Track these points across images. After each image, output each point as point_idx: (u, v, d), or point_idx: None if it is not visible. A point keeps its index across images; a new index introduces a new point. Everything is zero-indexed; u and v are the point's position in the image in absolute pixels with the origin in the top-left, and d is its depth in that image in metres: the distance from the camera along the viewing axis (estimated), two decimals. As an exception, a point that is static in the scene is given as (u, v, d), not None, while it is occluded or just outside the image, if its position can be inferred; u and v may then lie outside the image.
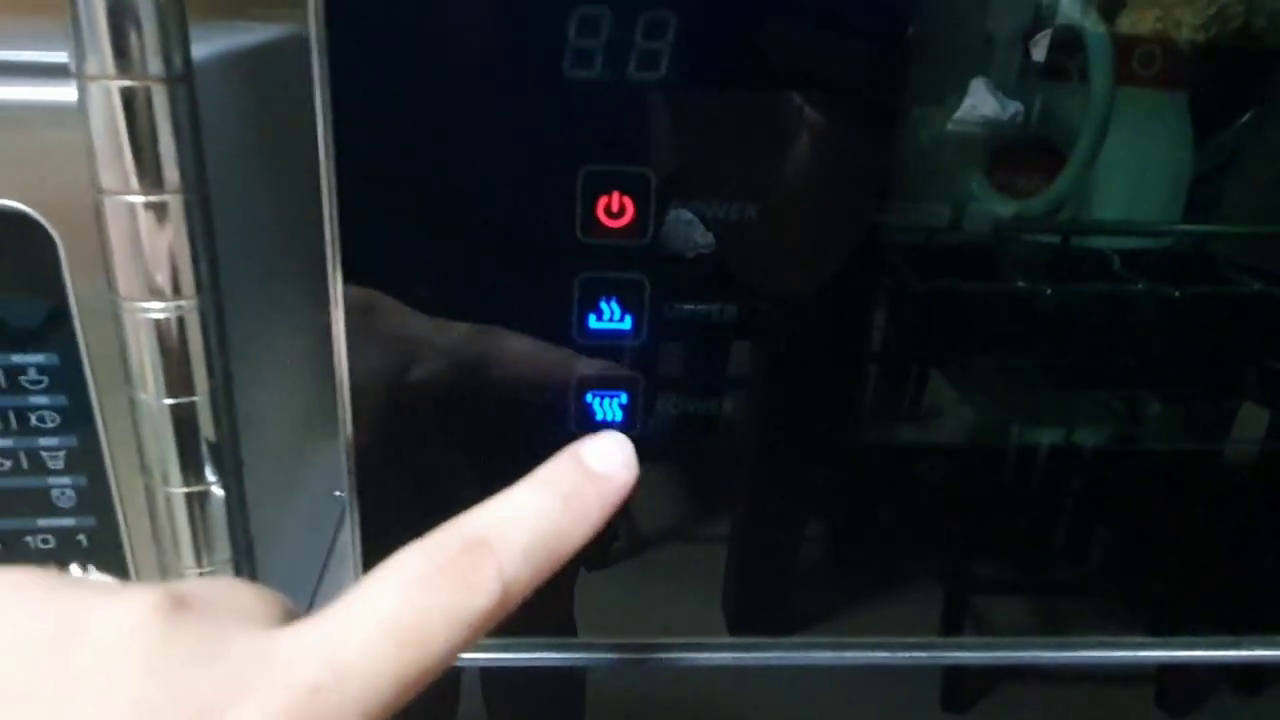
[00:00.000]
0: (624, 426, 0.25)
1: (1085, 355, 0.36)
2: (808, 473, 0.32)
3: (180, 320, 0.25)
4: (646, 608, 0.32)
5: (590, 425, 0.25)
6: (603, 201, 0.22)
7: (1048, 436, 0.38)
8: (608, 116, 0.21)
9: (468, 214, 0.22)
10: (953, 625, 0.38)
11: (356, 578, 0.29)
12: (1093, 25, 0.34)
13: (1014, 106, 0.37)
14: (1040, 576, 0.40)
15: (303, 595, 0.45)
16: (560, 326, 0.22)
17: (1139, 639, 0.38)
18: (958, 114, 0.36)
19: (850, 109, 0.23)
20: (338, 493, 0.57)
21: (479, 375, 0.24)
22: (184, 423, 0.26)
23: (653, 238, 0.23)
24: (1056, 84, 0.37)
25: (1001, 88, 0.37)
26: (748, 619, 0.34)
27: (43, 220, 0.30)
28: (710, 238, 0.23)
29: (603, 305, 0.23)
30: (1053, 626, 0.40)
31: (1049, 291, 0.32)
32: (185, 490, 0.26)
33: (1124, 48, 0.36)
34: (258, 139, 0.37)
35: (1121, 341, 0.35)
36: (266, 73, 0.40)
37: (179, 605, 0.16)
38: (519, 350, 0.24)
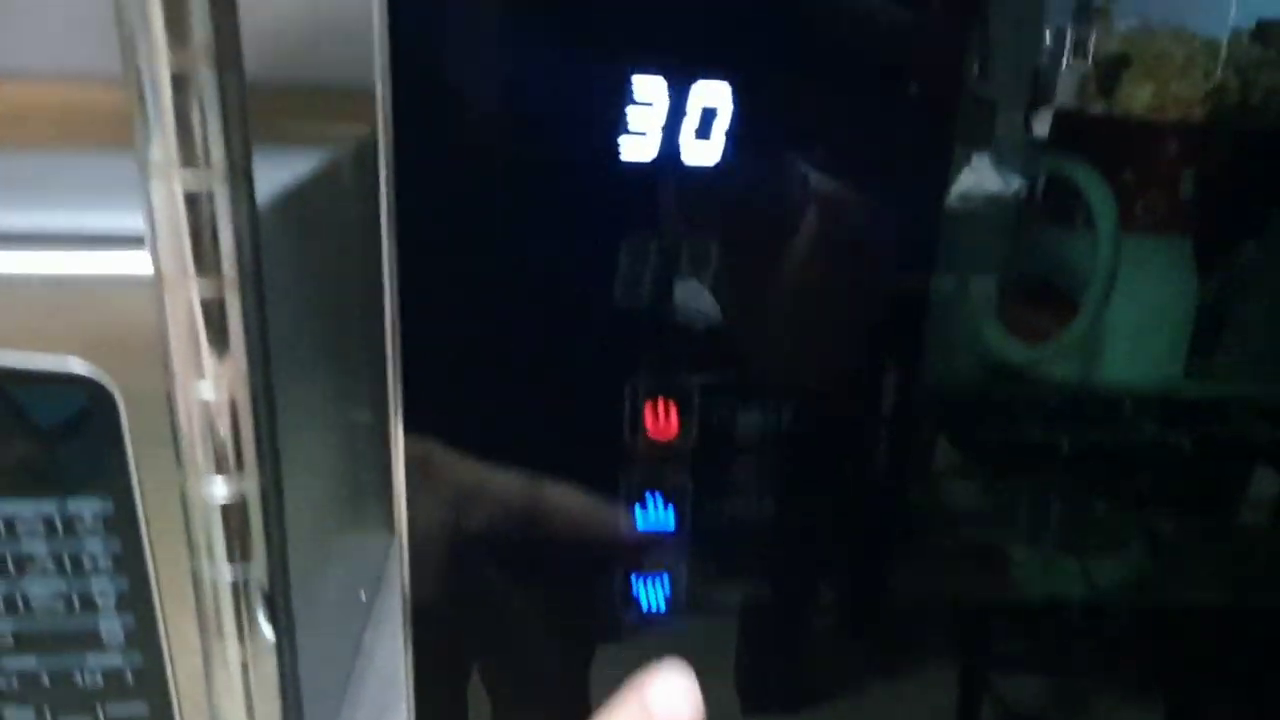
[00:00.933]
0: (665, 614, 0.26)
1: (1100, 491, 0.37)
2: (822, 555, 0.32)
3: (243, 500, 0.26)
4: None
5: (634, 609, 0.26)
6: (649, 409, 0.24)
7: (1061, 565, 0.39)
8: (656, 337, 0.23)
9: (525, 395, 0.24)
10: (970, 708, 0.39)
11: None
12: (1095, 181, 0.35)
13: (1016, 183, 0.39)
14: (1060, 658, 0.40)
15: (333, 693, 0.46)
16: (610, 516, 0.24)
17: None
18: (962, 189, 0.37)
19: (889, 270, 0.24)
20: (362, 594, 0.58)
21: (531, 524, 0.25)
22: (242, 592, 0.27)
23: (697, 442, 0.24)
24: (1061, 227, 0.39)
25: (1005, 163, 0.38)
26: (761, 698, 0.34)
27: (105, 381, 0.31)
28: (716, 310, 0.24)
29: (648, 498, 0.25)
30: (1073, 710, 0.40)
31: (1066, 444, 0.33)
32: (240, 652, 0.28)
33: (1128, 197, 0.38)
34: (293, 264, 0.39)
35: (1134, 481, 0.36)
36: (303, 211, 0.42)
37: None
38: (570, 502, 0.25)
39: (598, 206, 0.22)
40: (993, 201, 0.38)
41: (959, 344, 0.38)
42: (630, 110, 0.22)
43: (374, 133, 0.53)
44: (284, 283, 0.37)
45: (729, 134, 0.22)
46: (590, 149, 0.21)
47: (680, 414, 0.24)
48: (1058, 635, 0.40)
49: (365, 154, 0.53)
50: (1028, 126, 0.41)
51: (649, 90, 0.21)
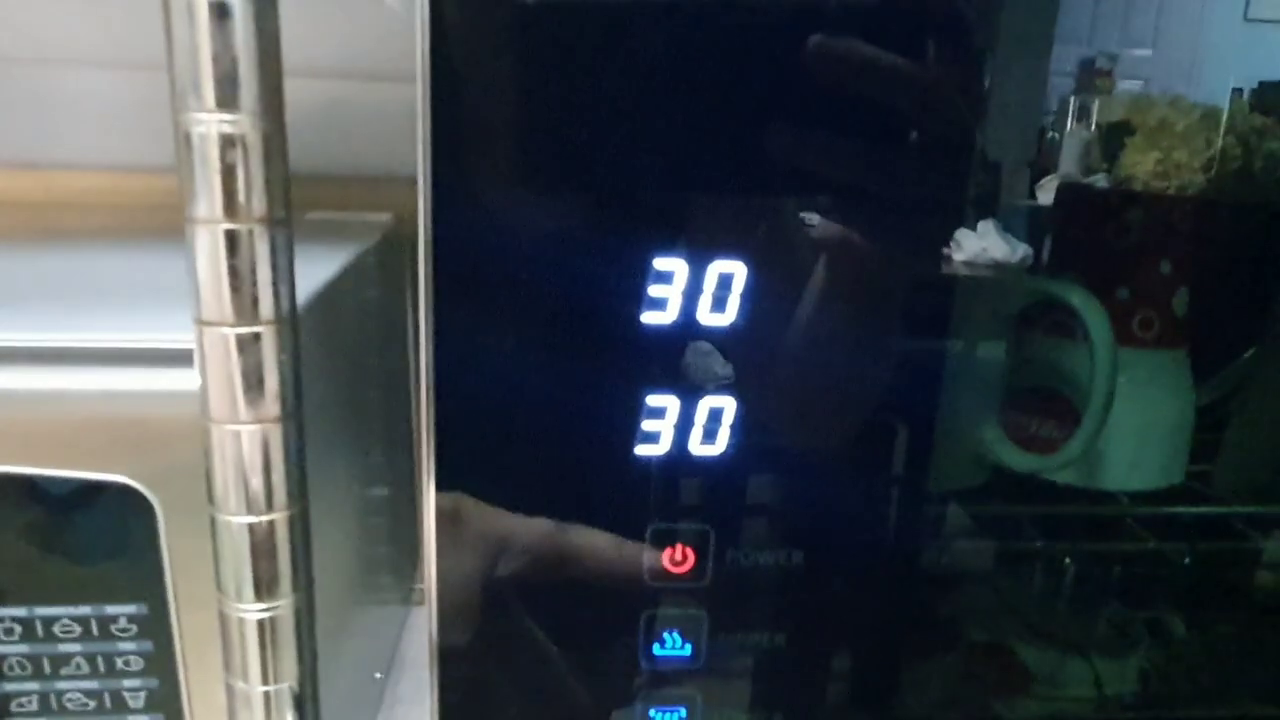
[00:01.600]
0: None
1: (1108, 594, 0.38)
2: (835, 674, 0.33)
3: (278, 620, 0.28)
4: None
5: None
6: (668, 553, 0.25)
7: (1070, 667, 0.40)
8: (671, 485, 0.24)
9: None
10: None
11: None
12: (1091, 306, 0.37)
13: (1022, 249, 0.40)
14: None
15: None
16: (628, 654, 0.25)
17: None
18: (969, 256, 0.38)
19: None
20: (378, 675, 0.58)
21: (559, 569, 0.26)
22: (274, 706, 0.28)
23: (711, 579, 0.25)
24: (1062, 340, 0.40)
25: (1010, 229, 0.39)
26: None
27: (145, 491, 0.33)
28: (729, 369, 0.25)
29: (665, 635, 0.26)
30: None
31: (1068, 561, 0.34)
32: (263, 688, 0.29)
33: (1124, 315, 0.39)
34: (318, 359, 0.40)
35: (1141, 591, 0.37)
36: (341, 295, 0.44)
37: None
38: (597, 545, 0.26)
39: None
40: (993, 311, 0.39)
41: (961, 452, 0.39)
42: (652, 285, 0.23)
43: (397, 219, 0.54)
44: (309, 375, 0.39)
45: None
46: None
47: (696, 556, 0.25)
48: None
49: (389, 240, 0.55)
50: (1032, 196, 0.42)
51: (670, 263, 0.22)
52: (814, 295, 0.25)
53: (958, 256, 0.38)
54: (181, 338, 0.27)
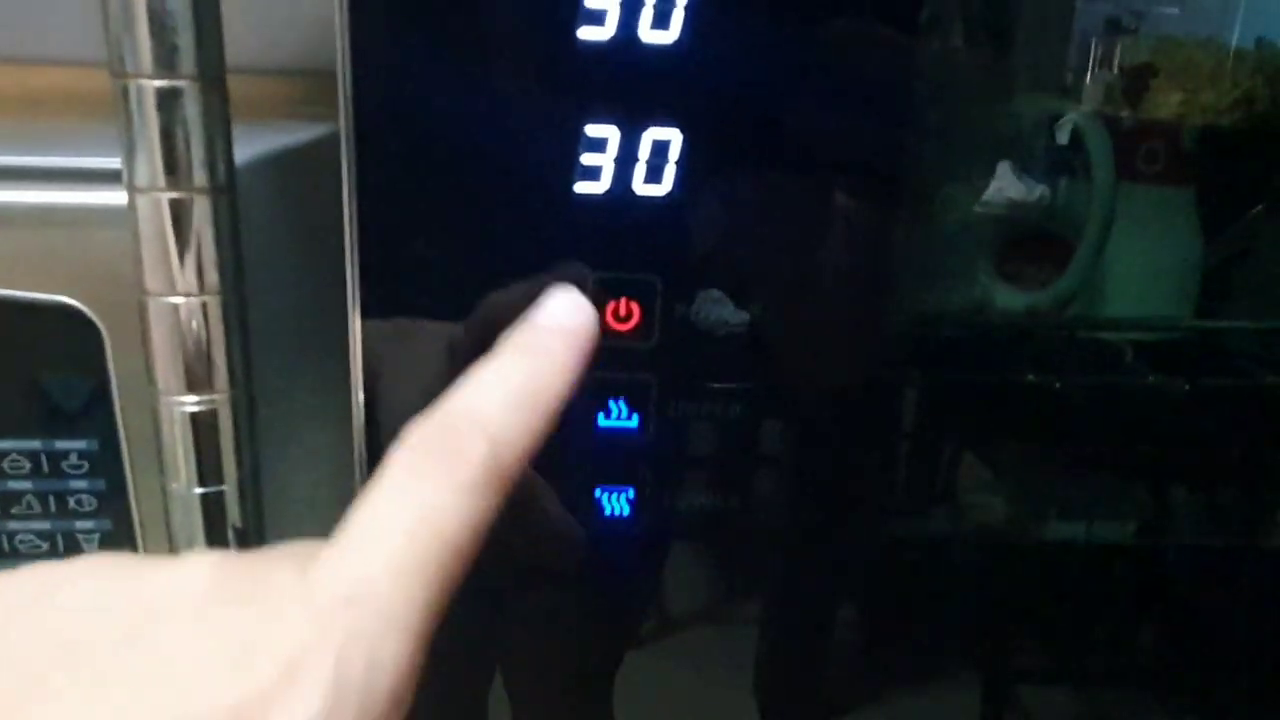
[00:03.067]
0: (631, 521, 0.25)
1: (1103, 447, 0.36)
2: (835, 560, 0.32)
3: (213, 413, 0.26)
4: (678, 694, 0.32)
5: (599, 519, 0.25)
6: (611, 306, 0.23)
7: (1070, 528, 0.38)
8: (616, 227, 0.23)
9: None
10: (992, 716, 0.38)
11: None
12: (1093, 122, 0.35)
13: (1039, 189, 0.38)
14: (1081, 666, 0.39)
15: None
16: (571, 423, 0.23)
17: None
18: (985, 196, 0.37)
19: (851, 204, 0.24)
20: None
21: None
22: (213, 510, 0.27)
23: (658, 340, 0.24)
24: (1064, 178, 0.38)
25: (1027, 170, 0.38)
26: (780, 706, 0.34)
27: (90, 313, 0.31)
28: (743, 316, 0.24)
29: (610, 404, 0.24)
30: (1095, 716, 0.39)
31: (1058, 385, 0.32)
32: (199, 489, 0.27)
33: (1128, 145, 0.37)
34: (286, 234, 0.39)
35: (1139, 434, 0.35)
36: (299, 172, 0.43)
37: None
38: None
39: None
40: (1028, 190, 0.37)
41: (957, 294, 0.37)
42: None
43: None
44: (277, 239, 0.38)
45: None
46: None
47: (642, 312, 0.23)
48: (1062, 597, 0.39)
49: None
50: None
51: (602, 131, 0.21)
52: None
53: (975, 199, 0.36)
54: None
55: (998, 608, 0.37)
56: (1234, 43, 0.40)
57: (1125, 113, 0.39)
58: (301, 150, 0.43)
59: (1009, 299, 0.36)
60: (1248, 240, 0.41)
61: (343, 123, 0.23)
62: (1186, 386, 0.33)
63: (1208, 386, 0.33)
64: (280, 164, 0.40)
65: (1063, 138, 0.38)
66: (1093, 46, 0.42)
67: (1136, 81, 0.40)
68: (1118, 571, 0.39)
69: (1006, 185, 0.38)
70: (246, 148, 0.31)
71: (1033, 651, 0.39)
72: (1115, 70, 0.41)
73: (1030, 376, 0.33)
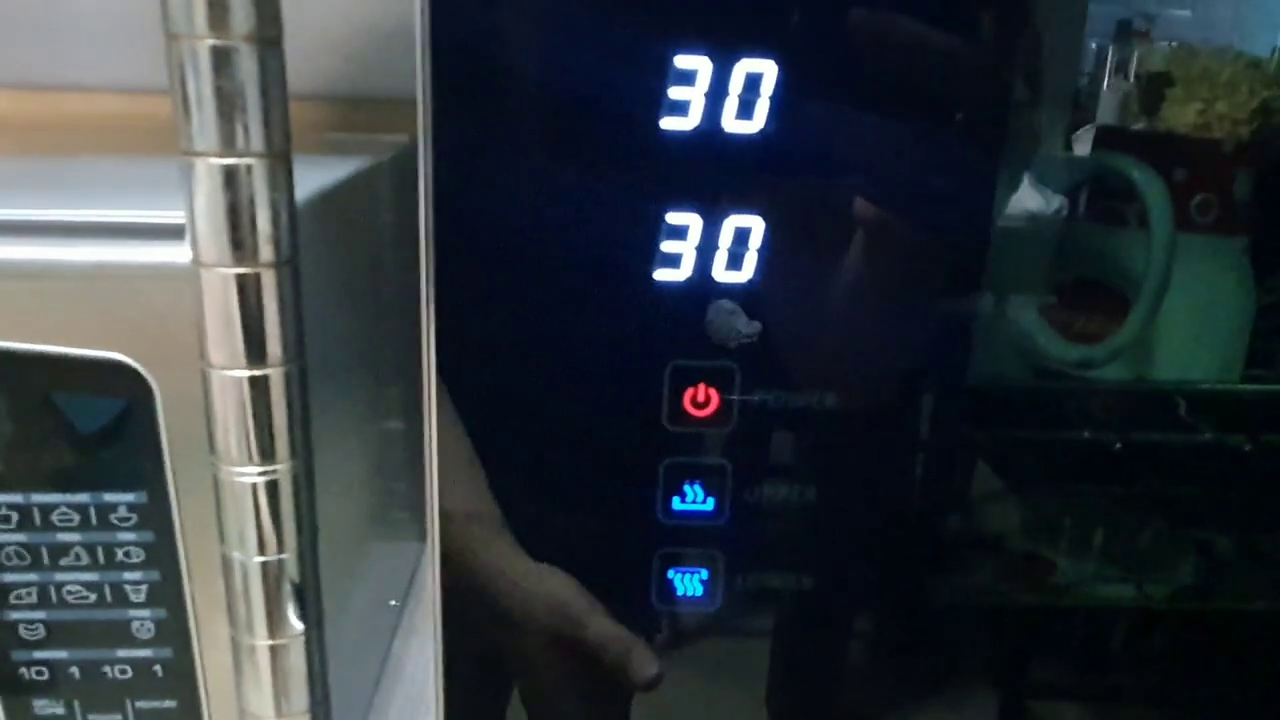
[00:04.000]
0: (704, 601, 0.25)
1: (1153, 500, 0.36)
2: (856, 573, 0.32)
3: (274, 484, 0.26)
4: (691, 704, 0.32)
5: (673, 600, 0.25)
6: (689, 393, 0.23)
7: (1119, 588, 0.38)
8: (695, 317, 0.23)
9: (564, 404, 0.24)
10: None
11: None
12: (1150, 179, 0.35)
13: (1057, 200, 0.38)
14: (1098, 681, 0.39)
15: (361, 700, 0.45)
16: (647, 508, 0.23)
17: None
18: (1006, 211, 0.36)
19: (920, 293, 0.24)
20: (393, 602, 0.57)
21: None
22: (270, 577, 0.27)
23: (736, 425, 0.23)
24: (1114, 227, 0.38)
25: (1047, 183, 0.37)
26: (792, 717, 0.33)
27: (143, 370, 0.31)
28: (755, 327, 0.24)
29: (686, 488, 0.24)
30: None
31: (1118, 446, 0.32)
32: (270, 643, 0.27)
33: (1182, 196, 0.37)
34: (332, 260, 0.39)
35: (1188, 487, 0.35)
36: (347, 205, 0.42)
37: None
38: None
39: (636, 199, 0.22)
40: (1046, 202, 0.37)
41: (1008, 346, 0.37)
42: (672, 90, 0.21)
43: (412, 140, 0.54)
44: (318, 285, 0.37)
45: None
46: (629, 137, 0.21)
47: (720, 398, 0.23)
48: (1105, 654, 0.39)
49: (403, 161, 0.54)
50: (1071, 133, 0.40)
51: (691, 68, 0.20)
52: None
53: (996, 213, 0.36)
54: (180, 214, 0.26)
55: (1015, 625, 0.37)
56: (1250, 52, 0.40)
57: (1142, 122, 0.39)
58: (342, 186, 0.43)
59: (1062, 351, 0.36)
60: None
61: (422, 215, 0.22)
62: (1247, 446, 0.32)
63: (1263, 443, 0.33)
64: (325, 202, 0.40)
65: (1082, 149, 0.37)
66: (1109, 55, 0.42)
67: (1152, 91, 0.40)
68: (1156, 630, 0.39)
69: (1024, 197, 0.37)
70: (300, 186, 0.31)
71: (1049, 668, 0.39)
72: (1130, 79, 0.41)
73: (1086, 434, 0.32)
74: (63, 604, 0.35)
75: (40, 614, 0.35)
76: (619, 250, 0.22)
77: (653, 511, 0.24)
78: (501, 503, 0.20)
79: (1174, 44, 0.41)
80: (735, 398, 0.23)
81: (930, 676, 0.32)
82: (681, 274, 0.22)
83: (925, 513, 0.28)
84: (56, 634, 0.35)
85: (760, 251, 0.22)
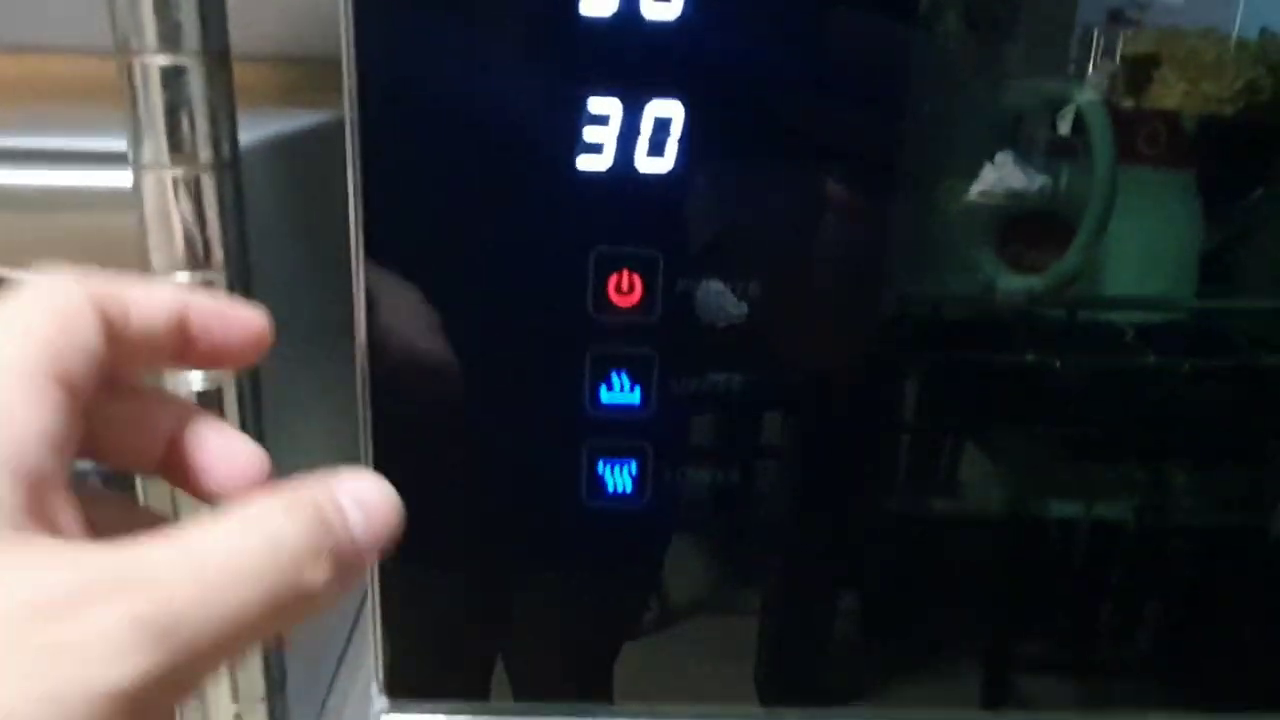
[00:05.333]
0: (633, 496, 0.26)
1: (1103, 428, 0.36)
2: (831, 542, 0.32)
3: (219, 392, 0.26)
4: (678, 677, 0.33)
5: (602, 494, 0.26)
6: (613, 280, 0.23)
7: (1071, 509, 0.38)
8: (617, 203, 0.23)
9: (488, 291, 0.24)
10: (992, 698, 0.38)
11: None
12: (1094, 104, 0.35)
13: (1040, 180, 0.38)
14: (1082, 649, 0.39)
15: (327, 666, 0.46)
16: (574, 398, 0.23)
17: (1183, 714, 0.37)
18: (986, 187, 0.37)
19: (852, 183, 0.24)
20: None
21: None
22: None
23: (661, 314, 0.24)
24: (1065, 161, 0.38)
25: (1028, 161, 0.38)
26: (779, 689, 0.34)
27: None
28: (743, 307, 0.24)
29: (613, 378, 0.24)
30: (1095, 700, 0.39)
31: (1058, 365, 0.33)
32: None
33: (1128, 127, 0.37)
34: (293, 213, 0.39)
35: (1138, 414, 0.35)
36: (304, 155, 0.43)
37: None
38: None
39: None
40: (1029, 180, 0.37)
41: (957, 278, 0.37)
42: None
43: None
44: (274, 225, 0.38)
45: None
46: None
47: (644, 286, 0.23)
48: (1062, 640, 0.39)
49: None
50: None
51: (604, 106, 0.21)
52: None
53: (975, 188, 0.36)
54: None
55: (998, 592, 0.37)
56: (1236, 33, 0.40)
57: (1129, 102, 0.39)
58: (301, 136, 0.43)
59: (1010, 282, 0.36)
60: (1247, 223, 0.41)
61: (347, 101, 0.23)
62: (1187, 367, 0.33)
63: (1208, 367, 0.33)
64: (280, 149, 0.40)
65: (1064, 127, 0.38)
66: (1095, 37, 0.42)
67: (1139, 72, 0.40)
68: (1117, 555, 0.39)
69: (1008, 175, 0.38)
70: (246, 132, 0.31)
71: (1033, 637, 0.39)
72: (1118, 61, 0.41)
73: (1030, 357, 0.33)
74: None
75: None
76: (542, 138, 0.23)
77: (580, 403, 0.24)
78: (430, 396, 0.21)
79: (1164, 25, 0.42)
80: (659, 285, 0.24)
81: (885, 577, 0.33)
82: (603, 162, 0.23)
83: (853, 409, 0.28)
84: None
85: (681, 140, 0.23)
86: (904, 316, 0.31)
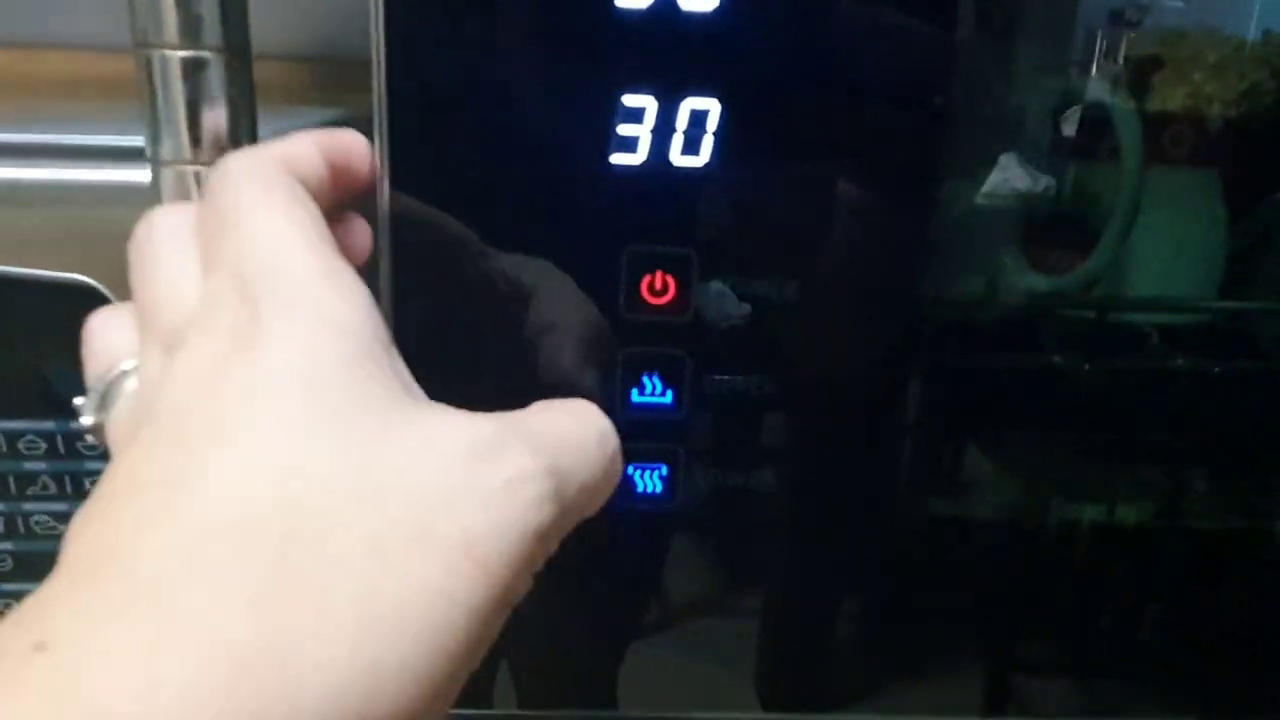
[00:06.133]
0: (664, 498, 0.25)
1: (1125, 430, 0.36)
2: (844, 547, 0.32)
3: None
4: (680, 681, 0.32)
5: (631, 497, 0.25)
6: (646, 280, 0.23)
7: (1090, 513, 0.38)
8: (651, 200, 0.22)
9: (518, 287, 0.23)
10: (994, 705, 0.37)
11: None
12: (1122, 104, 0.35)
13: (1046, 180, 0.38)
14: (1085, 654, 0.39)
15: None
16: (606, 400, 0.23)
17: (1187, 721, 0.37)
18: (989, 188, 0.36)
19: (884, 183, 0.24)
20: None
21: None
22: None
23: (694, 314, 0.23)
24: (1088, 161, 0.38)
25: (1033, 161, 0.37)
26: (781, 694, 0.33)
27: (107, 292, 0.31)
28: (745, 309, 0.24)
29: (645, 380, 0.24)
30: (1097, 707, 0.39)
31: (1086, 367, 0.32)
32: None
33: (1154, 126, 0.37)
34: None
35: (1161, 417, 0.35)
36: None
37: None
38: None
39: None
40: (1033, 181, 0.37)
41: (982, 275, 0.37)
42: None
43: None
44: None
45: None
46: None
47: (677, 286, 0.23)
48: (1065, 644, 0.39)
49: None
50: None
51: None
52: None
53: (983, 189, 0.36)
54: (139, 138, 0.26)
55: (1003, 595, 0.37)
56: (1243, 35, 0.40)
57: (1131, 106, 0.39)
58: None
59: (1035, 282, 0.36)
60: (1273, 224, 0.41)
61: (377, 100, 0.22)
62: (1215, 370, 0.32)
63: (1235, 369, 0.33)
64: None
65: (1069, 128, 0.37)
66: (1098, 38, 0.42)
67: (1142, 74, 0.40)
68: (1128, 560, 0.39)
69: (1013, 176, 0.37)
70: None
71: (1035, 641, 0.39)
72: (1120, 62, 0.41)
73: (1056, 359, 0.32)
74: (30, 535, 0.34)
75: (8, 545, 0.34)
76: (575, 134, 0.22)
77: (611, 404, 0.24)
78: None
79: (1166, 27, 0.41)
80: (692, 283, 0.23)
81: (892, 582, 0.33)
82: (637, 158, 0.22)
83: (886, 413, 0.28)
84: (25, 566, 0.34)
85: (717, 135, 0.22)
86: (931, 318, 0.31)
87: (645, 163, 0.22)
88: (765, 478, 0.26)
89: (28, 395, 0.33)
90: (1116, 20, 0.41)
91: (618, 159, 0.22)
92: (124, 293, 0.31)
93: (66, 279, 0.31)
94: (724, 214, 0.23)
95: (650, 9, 0.21)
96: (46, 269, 0.31)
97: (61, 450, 0.34)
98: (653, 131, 0.22)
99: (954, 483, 0.35)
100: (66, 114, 0.45)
